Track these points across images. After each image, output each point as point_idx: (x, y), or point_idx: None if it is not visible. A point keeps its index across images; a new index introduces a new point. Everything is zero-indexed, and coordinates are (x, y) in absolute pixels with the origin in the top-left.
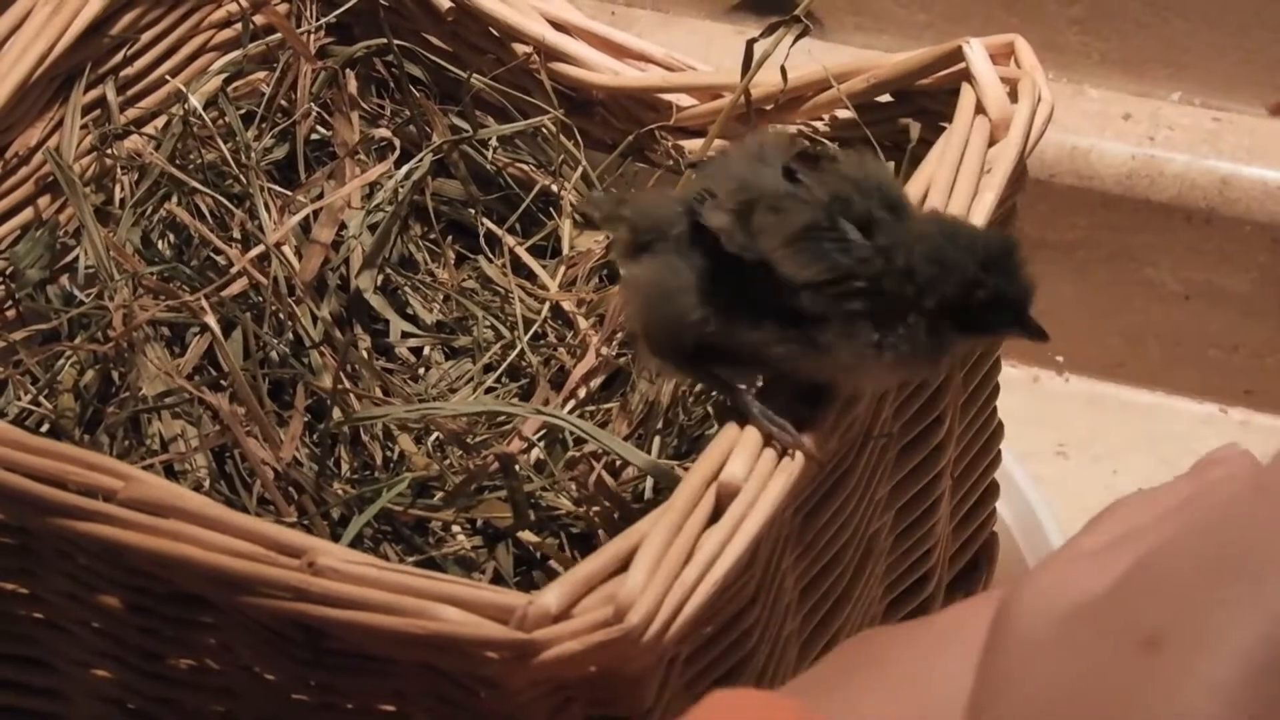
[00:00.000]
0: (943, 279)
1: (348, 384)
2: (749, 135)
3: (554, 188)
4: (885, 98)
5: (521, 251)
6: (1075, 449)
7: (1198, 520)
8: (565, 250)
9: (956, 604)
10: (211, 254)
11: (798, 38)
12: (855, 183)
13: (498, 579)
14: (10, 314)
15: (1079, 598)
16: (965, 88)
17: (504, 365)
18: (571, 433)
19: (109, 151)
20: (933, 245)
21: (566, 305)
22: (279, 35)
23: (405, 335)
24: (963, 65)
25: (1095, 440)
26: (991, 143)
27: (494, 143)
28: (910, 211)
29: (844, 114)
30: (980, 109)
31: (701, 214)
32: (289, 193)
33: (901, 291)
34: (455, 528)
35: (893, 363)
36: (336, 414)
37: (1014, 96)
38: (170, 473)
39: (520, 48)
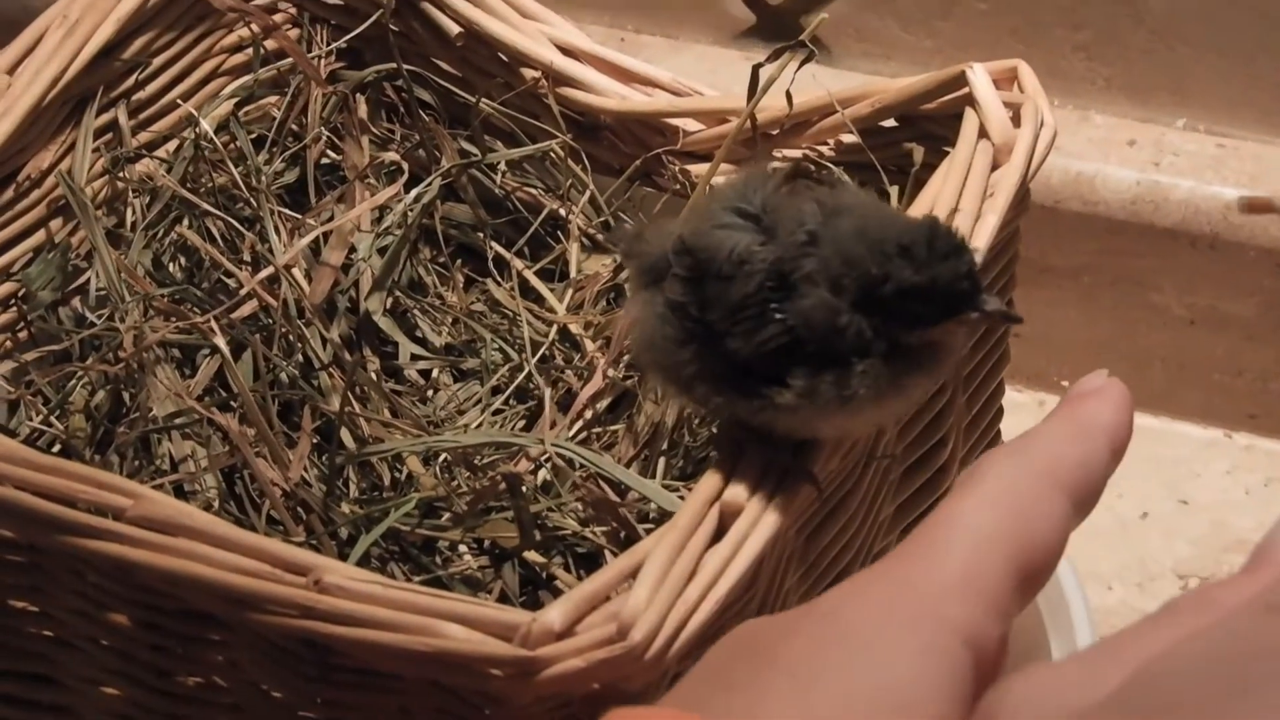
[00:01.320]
0: (850, 280)
1: (356, 406)
2: (741, 170)
3: (562, 212)
4: (890, 122)
5: (529, 275)
6: None
7: (1205, 645)
8: (573, 274)
9: (846, 594)
10: (222, 276)
11: (803, 63)
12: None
13: (504, 598)
14: (23, 335)
15: (1070, 706)
16: (968, 112)
17: (511, 387)
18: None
19: (121, 175)
20: (842, 246)
21: (574, 328)
22: (290, 60)
23: (414, 358)
24: (966, 90)
25: None
26: (994, 166)
27: (502, 167)
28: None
29: (849, 138)
30: (983, 133)
31: (668, 282)
32: (299, 216)
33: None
34: (462, 547)
35: (864, 406)
36: (349, 444)
37: (1017, 121)
38: (180, 493)
39: (529, 73)
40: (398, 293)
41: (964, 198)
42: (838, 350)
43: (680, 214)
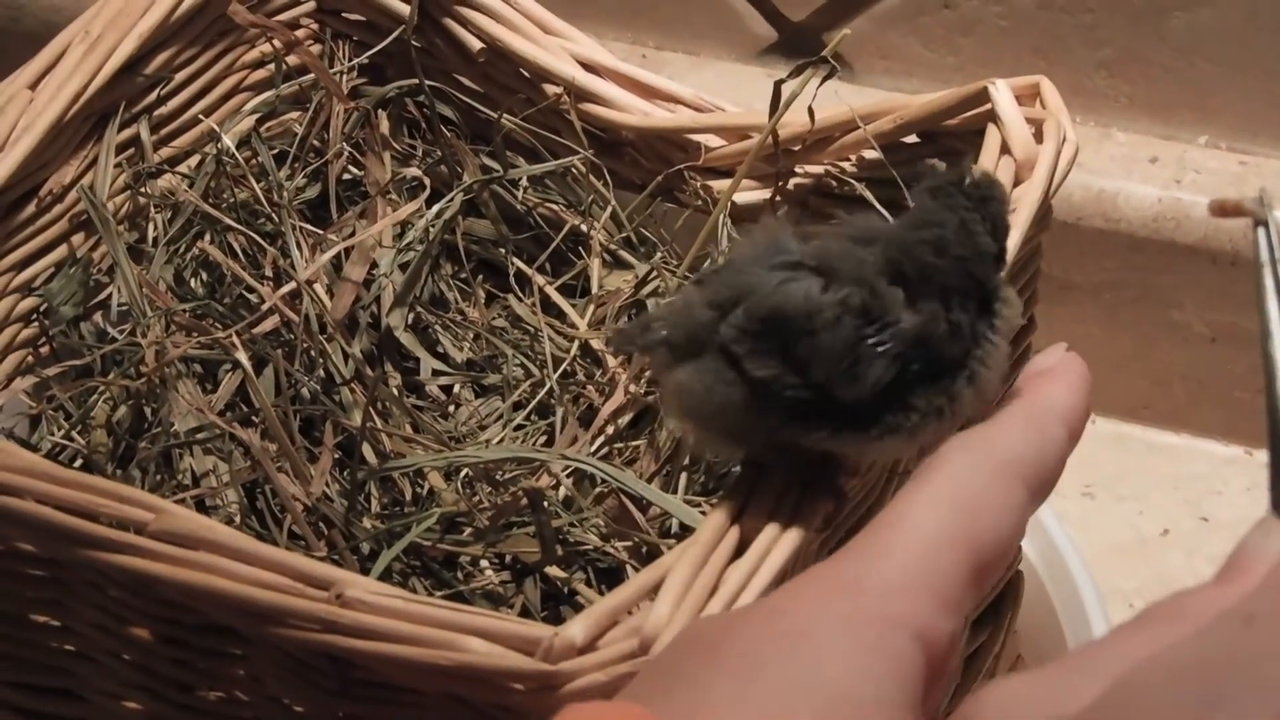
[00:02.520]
0: (930, 285)
1: (377, 421)
2: (743, 239)
3: (583, 227)
4: (912, 138)
5: (551, 290)
6: (1101, 489)
7: (1182, 657)
8: (594, 289)
9: (794, 591)
10: (244, 292)
11: (825, 79)
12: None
13: (525, 613)
14: (44, 350)
15: (1046, 716)
16: (990, 128)
17: (533, 403)
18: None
19: (142, 190)
20: (902, 259)
21: (595, 344)
22: (312, 75)
23: (435, 373)
24: (988, 106)
25: (1121, 481)
26: (1016, 183)
27: (524, 183)
28: None
29: (871, 155)
30: (1005, 149)
31: (742, 361)
32: (320, 231)
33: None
34: (483, 563)
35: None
36: (370, 459)
37: (1039, 137)
38: (201, 507)
39: (551, 88)
40: (419, 308)
41: None
42: (949, 356)
43: (678, 294)
